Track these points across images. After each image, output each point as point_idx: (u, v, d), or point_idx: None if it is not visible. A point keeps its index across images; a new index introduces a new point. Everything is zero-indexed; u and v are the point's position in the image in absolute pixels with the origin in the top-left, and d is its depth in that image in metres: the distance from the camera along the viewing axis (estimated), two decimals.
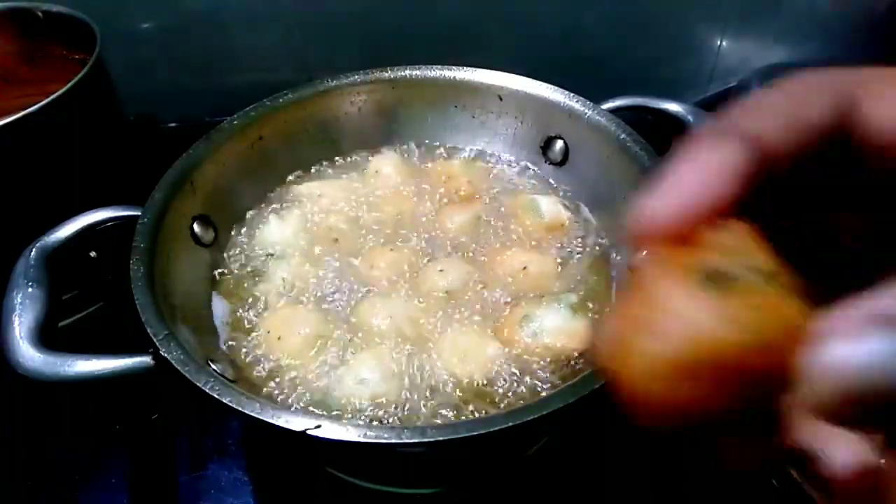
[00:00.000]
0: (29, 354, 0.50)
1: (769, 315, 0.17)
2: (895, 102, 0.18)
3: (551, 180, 0.73)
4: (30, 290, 0.54)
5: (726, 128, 0.19)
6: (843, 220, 0.21)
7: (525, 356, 0.55)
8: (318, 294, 0.61)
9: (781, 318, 0.17)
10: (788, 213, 0.20)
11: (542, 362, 0.55)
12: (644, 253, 0.19)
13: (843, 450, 0.20)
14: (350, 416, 0.52)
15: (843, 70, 0.19)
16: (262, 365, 0.56)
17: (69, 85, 0.64)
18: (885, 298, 0.15)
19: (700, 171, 0.18)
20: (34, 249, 0.57)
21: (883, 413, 0.15)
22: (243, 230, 0.68)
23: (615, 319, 0.19)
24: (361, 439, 0.42)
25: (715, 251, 0.18)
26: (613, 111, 0.69)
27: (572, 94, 0.70)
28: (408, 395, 0.54)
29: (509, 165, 0.76)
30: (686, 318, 0.17)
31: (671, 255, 0.19)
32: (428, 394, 0.54)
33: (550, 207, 0.68)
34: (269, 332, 0.58)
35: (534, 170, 0.75)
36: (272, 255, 0.65)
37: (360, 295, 0.61)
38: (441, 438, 0.42)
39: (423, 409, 0.53)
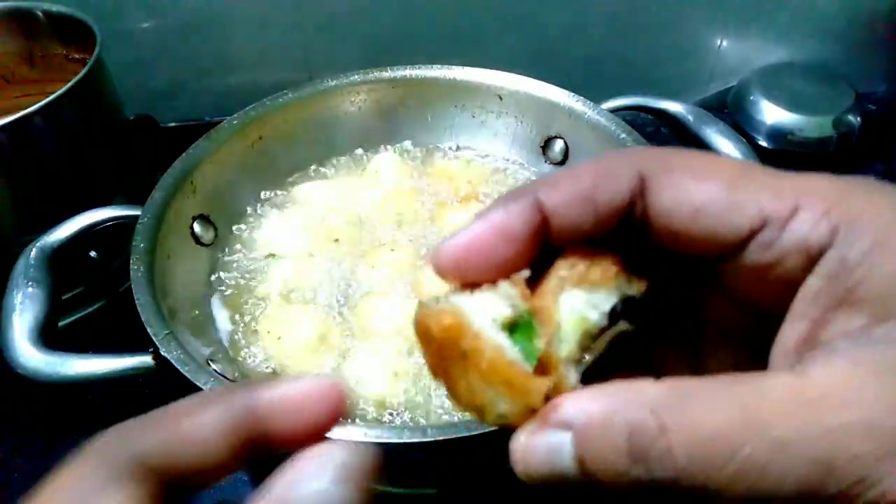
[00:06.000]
0: (29, 354, 0.50)
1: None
2: (674, 193, 0.22)
3: None
4: (30, 290, 0.54)
5: (521, 193, 0.22)
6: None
7: None
8: (319, 294, 0.61)
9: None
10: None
11: None
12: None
13: None
14: (351, 416, 0.52)
15: (645, 152, 0.23)
16: (262, 365, 0.56)
17: (69, 85, 0.64)
18: (565, 405, 0.20)
19: (485, 224, 0.22)
20: (34, 249, 0.57)
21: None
22: (244, 230, 0.68)
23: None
24: (363, 439, 0.42)
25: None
26: (613, 111, 0.69)
27: (572, 94, 0.70)
28: (408, 395, 0.54)
29: (509, 165, 0.76)
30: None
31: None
32: (428, 394, 0.54)
33: None
34: (269, 331, 0.58)
35: (534, 170, 0.75)
36: (272, 255, 0.65)
37: (360, 295, 0.61)
38: (442, 438, 0.42)
39: (423, 409, 0.53)
